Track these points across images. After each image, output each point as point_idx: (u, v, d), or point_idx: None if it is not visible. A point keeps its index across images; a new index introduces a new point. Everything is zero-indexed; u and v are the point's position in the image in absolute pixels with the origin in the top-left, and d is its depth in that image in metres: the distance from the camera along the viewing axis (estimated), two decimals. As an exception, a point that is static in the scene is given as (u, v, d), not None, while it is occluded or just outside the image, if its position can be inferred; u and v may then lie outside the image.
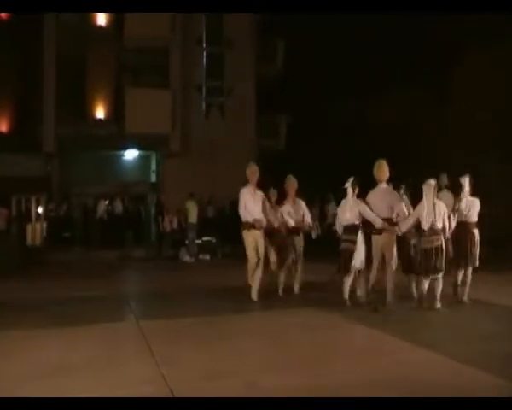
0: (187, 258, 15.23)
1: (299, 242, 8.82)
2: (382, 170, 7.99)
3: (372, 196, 7.85)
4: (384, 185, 7.86)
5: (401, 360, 5.07)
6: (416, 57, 23.75)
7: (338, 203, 9.86)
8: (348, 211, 7.79)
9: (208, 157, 20.30)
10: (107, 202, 18.61)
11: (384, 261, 7.66)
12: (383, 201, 7.69)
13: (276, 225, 8.41)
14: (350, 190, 7.86)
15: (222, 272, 11.94)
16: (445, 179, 10.46)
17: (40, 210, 19.52)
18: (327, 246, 13.86)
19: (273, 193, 8.94)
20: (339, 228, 8.02)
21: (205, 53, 21.82)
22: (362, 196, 7.88)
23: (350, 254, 7.64)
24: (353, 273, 7.75)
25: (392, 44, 23.32)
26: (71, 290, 9.77)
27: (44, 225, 18.93)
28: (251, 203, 8.06)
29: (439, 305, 7.26)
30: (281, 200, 8.92)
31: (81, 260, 14.98)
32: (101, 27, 20.89)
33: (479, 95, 20.94)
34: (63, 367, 4.89)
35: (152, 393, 4.18)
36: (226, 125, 21.45)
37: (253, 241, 8.02)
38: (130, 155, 22.66)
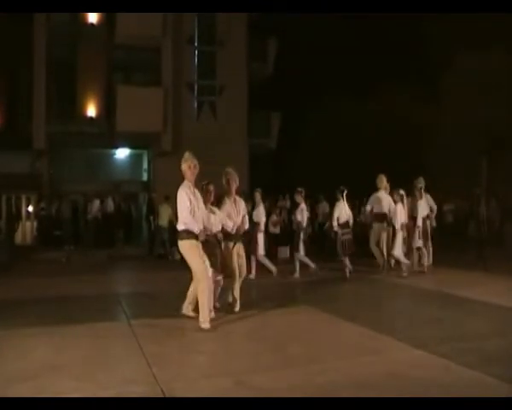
0: (178, 257, 15.10)
1: (241, 249, 7.47)
2: (382, 181, 11.28)
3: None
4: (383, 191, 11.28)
5: (391, 358, 5.09)
6: (409, 57, 23.87)
7: (329, 203, 10.78)
8: (344, 212, 10.62)
9: (200, 156, 20.17)
10: (99, 201, 18.49)
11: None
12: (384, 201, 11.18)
13: (214, 232, 7.00)
14: (343, 196, 10.62)
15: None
16: (421, 182, 11.47)
17: (30, 209, 19.41)
18: (318, 244, 13.95)
19: (209, 189, 7.15)
20: (335, 224, 10.63)
21: (196, 51, 21.79)
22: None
23: (350, 241, 10.60)
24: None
25: (385, 43, 23.41)
26: (61, 289, 9.71)
27: (35, 223, 18.84)
28: (195, 207, 6.34)
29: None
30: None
31: (71, 258, 14.90)
32: (92, 25, 20.80)
33: (471, 95, 21.07)
34: (52, 367, 4.85)
35: (143, 393, 4.16)
36: (218, 123, 21.43)
37: (199, 254, 6.41)
38: (122, 153, 22.59)
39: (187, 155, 6.55)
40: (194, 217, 6.29)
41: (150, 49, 20.89)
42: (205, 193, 6.97)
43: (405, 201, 11.00)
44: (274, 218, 14.67)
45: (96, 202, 18.27)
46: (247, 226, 7.62)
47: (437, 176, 17.91)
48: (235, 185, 7.40)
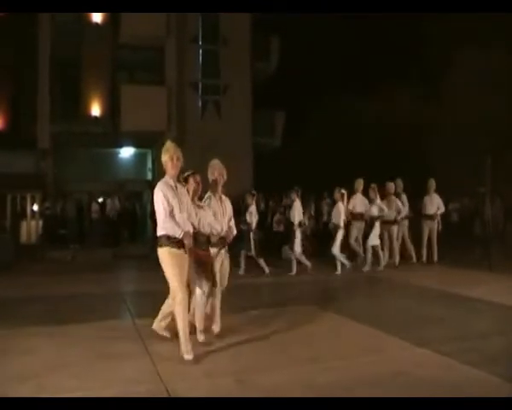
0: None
1: (226, 258, 6.34)
2: (360, 184, 11.96)
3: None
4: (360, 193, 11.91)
5: (394, 357, 5.09)
6: (411, 56, 23.81)
7: (332, 202, 10.89)
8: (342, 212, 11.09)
9: (204, 155, 20.22)
10: (114, 200, 18.43)
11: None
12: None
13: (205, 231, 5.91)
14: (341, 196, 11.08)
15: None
16: (400, 184, 12.02)
17: (35, 208, 19.47)
18: (321, 242, 13.93)
19: (196, 180, 6.05)
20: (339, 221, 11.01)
21: (200, 50, 21.79)
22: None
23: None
24: None
25: (388, 41, 23.37)
26: (65, 288, 9.75)
27: (40, 222, 18.89)
28: (176, 207, 5.32)
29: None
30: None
31: (76, 257, 14.94)
32: (96, 25, 20.82)
33: (474, 94, 21.04)
34: (55, 366, 4.87)
35: (147, 391, 4.18)
36: (222, 122, 21.43)
37: (178, 266, 5.26)
38: (126, 152, 22.63)
39: (169, 144, 5.57)
40: (175, 219, 5.26)
41: (154, 49, 20.92)
42: (191, 185, 5.94)
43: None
44: (278, 216, 14.68)
45: (110, 202, 18.30)
46: (235, 232, 6.42)
47: (441, 175, 17.87)
48: (222, 181, 6.26)
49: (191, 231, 5.43)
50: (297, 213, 11.13)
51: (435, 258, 12.30)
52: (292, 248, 11.22)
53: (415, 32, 23.00)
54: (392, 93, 23.15)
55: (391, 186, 12.28)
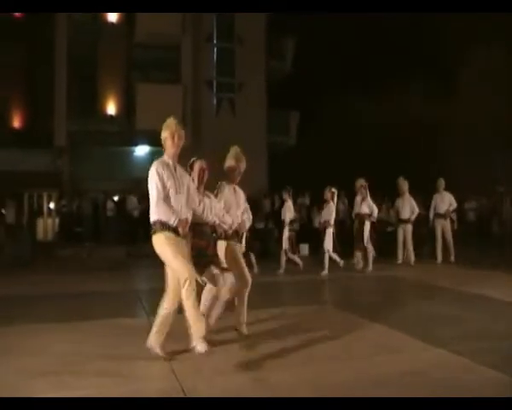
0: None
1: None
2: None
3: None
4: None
5: (410, 357, 5.04)
6: (426, 55, 23.63)
7: (349, 200, 10.81)
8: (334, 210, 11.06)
9: (219, 153, 20.23)
10: (136, 199, 18.46)
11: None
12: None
13: (212, 224, 5.44)
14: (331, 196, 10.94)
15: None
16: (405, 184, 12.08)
17: (52, 205, 19.64)
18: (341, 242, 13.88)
19: (202, 166, 5.51)
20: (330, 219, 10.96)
21: (215, 49, 21.81)
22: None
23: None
24: None
25: (402, 43, 23.23)
26: (81, 285, 9.82)
27: (56, 220, 19.05)
28: (173, 189, 4.79)
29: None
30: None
31: (91, 255, 15.03)
32: (112, 24, 20.94)
33: (489, 92, 20.88)
34: (71, 362, 4.90)
35: (162, 389, 4.18)
36: (237, 120, 21.43)
37: (178, 249, 4.72)
38: (141, 150, 22.70)
39: (170, 120, 4.93)
40: (170, 202, 4.72)
41: (170, 47, 20.99)
42: (196, 173, 5.44)
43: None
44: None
45: (133, 199, 18.34)
46: (248, 225, 5.98)
47: (458, 174, 17.72)
48: (240, 171, 5.80)
49: (189, 217, 4.87)
50: (288, 212, 11.20)
51: (452, 258, 12.18)
52: (282, 247, 11.34)
53: (429, 31, 22.84)
54: (406, 93, 23.02)
55: (404, 185, 12.20)
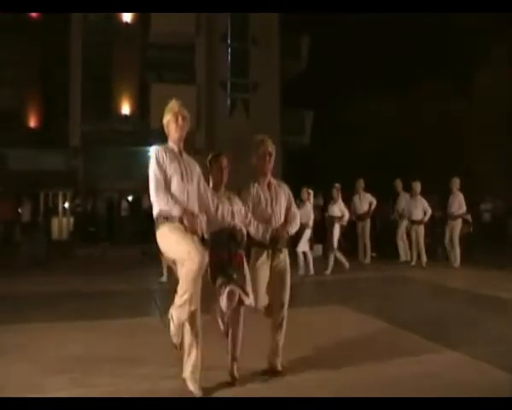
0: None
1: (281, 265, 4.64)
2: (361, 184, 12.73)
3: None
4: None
5: (424, 358, 5.00)
6: (441, 54, 23.46)
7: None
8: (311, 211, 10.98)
9: (233, 153, 20.22)
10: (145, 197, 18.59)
11: None
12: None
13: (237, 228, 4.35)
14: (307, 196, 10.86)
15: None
16: (399, 184, 13.05)
17: (67, 205, 19.80)
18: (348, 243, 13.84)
19: (222, 163, 4.65)
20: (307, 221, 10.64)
21: (229, 49, 21.83)
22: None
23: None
24: None
25: (416, 42, 23.10)
26: (95, 285, 9.88)
27: (71, 219, 19.20)
28: (178, 175, 4.06)
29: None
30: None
31: (106, 254, 15.12)
32: (126, 24, 21.03)
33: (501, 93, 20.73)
34: (86, 361, 4.94)
35: (175, 388, 4.18)
36: (251, 121, 21.41)
37: (182, 236, 3.81)
38: (156, 150, 22.76)
39: (173, 102, 4.52)
40: (174, 194, 3.95)
41: (184, 48, 21.02)
42: (216, 170, 4.57)
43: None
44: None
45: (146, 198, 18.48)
46: (295, 229, 4.72)
47: (474, 175, 17.59)
48: (271, 161, 4.86)
49: (200, 215, 4.07)
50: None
51: (456, 264, 11.81)
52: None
53: (444, 31, 22.67)
54: (420, 92, 22.87)
55: (417, 186, 12.10)
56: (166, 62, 21.82)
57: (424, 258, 11.93)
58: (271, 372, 4.54)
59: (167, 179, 3.99)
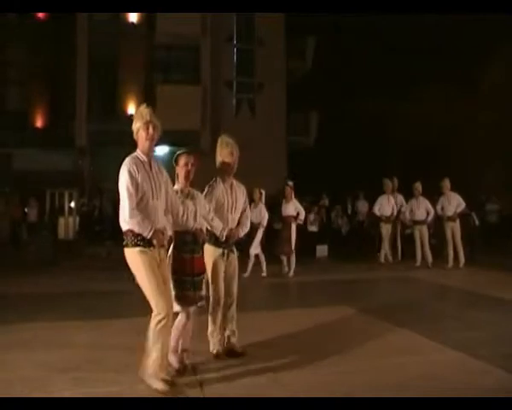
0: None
1: (234, 261, 5.09)
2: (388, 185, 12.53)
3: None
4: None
5: (428, 359, 5.00)
6: (448, 55, 23.41)
7: (368, 201, 10.59)
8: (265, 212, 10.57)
9: (238, 154, 20.25)
10: None
11: None
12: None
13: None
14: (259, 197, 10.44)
15: (254, 269, 11.29)
16: (395, 183, 12.90)
17: (73, 204, 19.87)
18: (355, 243, 13.84)
19: (187, 161, 4.84)
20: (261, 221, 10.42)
21: (235, 50, 21.86)
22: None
23: None
24: None
25: (423, 42, 23.06)
26: (101, 284, 9.91)
27: (77, 219, 19.27)
28: (149, 192, 4.13)
29: None
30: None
31: (111, 254, 15.16)
32: (132, 25, 21.10)
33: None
34: (93, 359, 4.97)
35: (180, 385, 4.21)
36: (256, 121, 21.45)
37: (155, 272, 4.14)
38: (161, 151, 22.81)
39: (143, 108, 4.39)
40: (146, 210, 4.04)
41: (189, 48, 21.08)
42: (182, 169, 4.85)
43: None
44: (312, 216, 14.67)
45: None
46: (246, 230, 5.16)
47: (481, 176, 17.56)
48: (235, 164, 5.04)
49: (167, 227, 4.25)
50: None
51: (461, 264, 11.77)
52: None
53: (450, 33, 22.63)
54: (427, 94, 22.84)
55: (418, 187, 12.16)
56: (172, 63, 21.89)
57: (430, 258, 11.92)
58: (234, 354, 4.96)
59: (139, 197, 4.05)
